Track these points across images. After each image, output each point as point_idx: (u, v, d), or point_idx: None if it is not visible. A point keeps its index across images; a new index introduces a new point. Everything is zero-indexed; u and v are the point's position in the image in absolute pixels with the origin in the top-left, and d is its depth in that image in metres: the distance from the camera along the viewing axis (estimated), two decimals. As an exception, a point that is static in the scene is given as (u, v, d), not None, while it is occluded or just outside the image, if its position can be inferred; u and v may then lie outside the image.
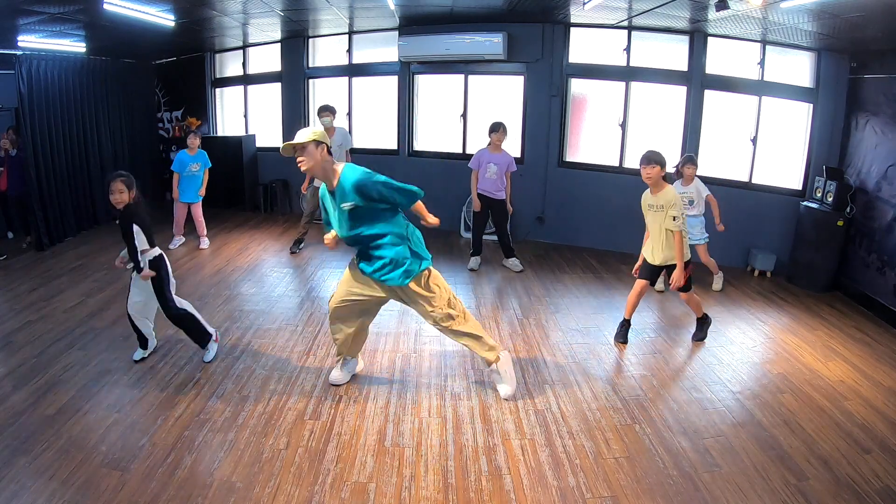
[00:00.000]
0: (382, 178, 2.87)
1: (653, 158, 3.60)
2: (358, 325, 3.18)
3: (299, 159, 2.88)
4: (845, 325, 4.48)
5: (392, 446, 2.72)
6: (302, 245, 6.06)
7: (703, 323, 4.05)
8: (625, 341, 3.96)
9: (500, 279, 5.28)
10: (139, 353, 3.48)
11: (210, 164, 6.01)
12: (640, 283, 3.91)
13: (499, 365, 3.17)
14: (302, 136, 2.86)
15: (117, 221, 3.26)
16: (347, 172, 2.87)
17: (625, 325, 4.00)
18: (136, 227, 3.20)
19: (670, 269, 3.78)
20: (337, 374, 3.30)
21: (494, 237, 5.81)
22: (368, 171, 2.88)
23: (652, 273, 3.91)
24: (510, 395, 3.15)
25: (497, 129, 5.17)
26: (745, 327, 4.34)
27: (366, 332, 3.34)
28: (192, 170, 5.84)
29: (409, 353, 3.70)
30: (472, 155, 5.41)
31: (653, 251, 3.81)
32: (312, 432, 2.80)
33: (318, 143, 2.86)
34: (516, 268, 5.50)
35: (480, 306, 4.58)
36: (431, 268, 3.06)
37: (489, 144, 5.27)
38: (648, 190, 3.76)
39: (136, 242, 3.19)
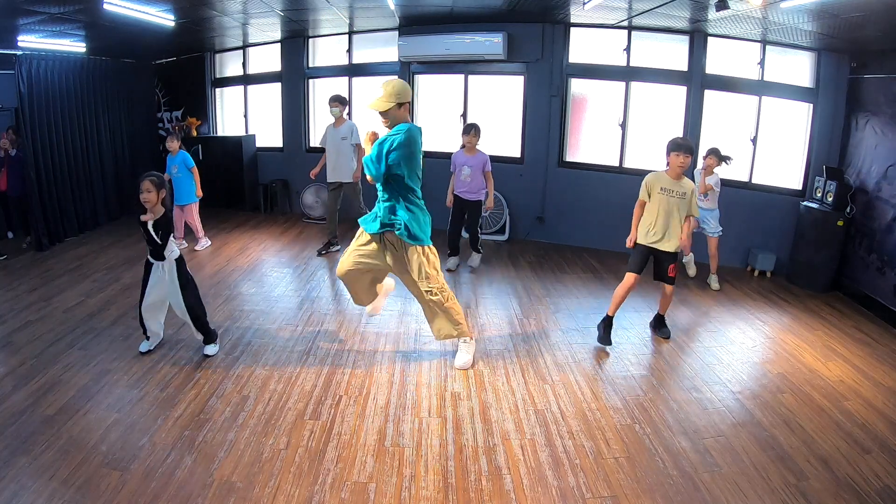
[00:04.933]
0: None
1: (691, 148, 3.66)
2: (368, 283, 3.59)
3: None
4: (845, 325, 4.48)
5: (392, 446, 2.72)
6: (337, 248, 6.01)
7: (663, 322, 4.11)
8: (609, 343, 3.85)
9: (500, 279, 5.28)
10: (146, 345, 3.56)
11: (192, 164, 5.87)
12: (632, 277, 3.81)
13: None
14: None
15: (149, 224, 3.28)
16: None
17: (608, 325, 3.88)
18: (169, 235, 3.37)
19: (660, 258, 3.82)
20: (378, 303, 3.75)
21: (498, 237, 5.80)
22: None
23: (644, 263, 3.84)
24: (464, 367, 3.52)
25: (469, 131, 5.12)
26: (745, 327, 4.34)
27: (374, 288, 3.68)
28: (172, 172, 5.80)
29: (409, 353, 3.70)
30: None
31: (666, 236, 3.75)
32: (312, 432, 2.80)
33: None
34: (473, 262, 5.48)
35: (480, 306, 4.59)
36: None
37: (463, 147, 5.21)
38: (664, 175, 3.74)
39: (167, 251, 3.36)
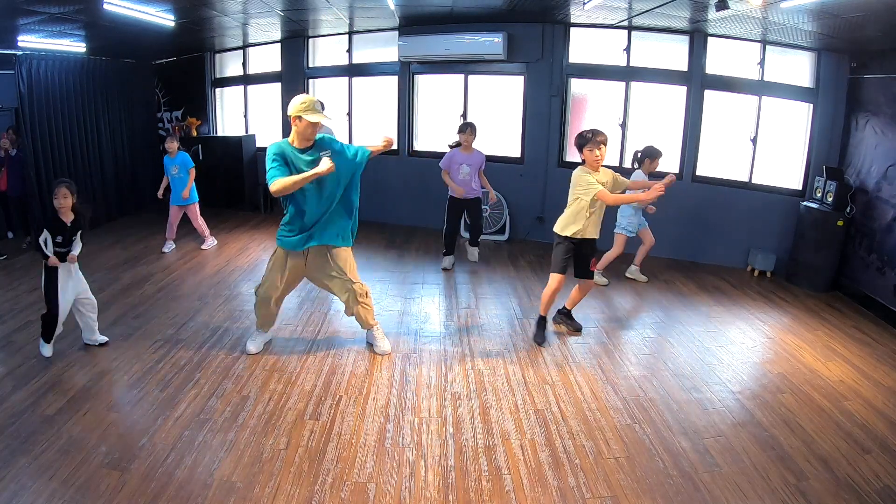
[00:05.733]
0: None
1: (606, 138, 3.59)
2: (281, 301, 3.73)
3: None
4: (845, 325, 4.48)
5: (392, 446, 2.72)
6: None
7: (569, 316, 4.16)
8: (543, 341, 3.89)
9: (500, 279, 5.28)
10: (47, 349, 3.47)
11: (192, 165, 5.87)
12: (558, 279, 3.79)
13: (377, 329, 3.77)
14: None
15: (74, 224, 3.42)
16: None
17: (541, 324, 3.94)
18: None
19: (582, 253, 3.82)
20: (255, 345, 3.68)
21: (497, 237, 5.81)
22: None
23: (569, 260, 3.82)
24: (388, 351, 3.71)
25: (465, 129, 5.11)
26: (745, 327, 4.34)
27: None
28: (172, 172, 5.82)
29: (409, 353, 3.70)
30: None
31: (592, 228, 3.74)
32: (312, 432, 2.81)
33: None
34: (472, 257, 5.51)
35: (480, 306, 4.59)
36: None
37: (458, 145, 5.18)
38: (587, 171, 3.65)
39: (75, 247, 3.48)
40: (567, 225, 3.76)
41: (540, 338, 3.91)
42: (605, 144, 3.57)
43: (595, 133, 3.57)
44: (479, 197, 5.26)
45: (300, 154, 3.27)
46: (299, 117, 3.20)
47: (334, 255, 3.47)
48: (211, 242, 6.12)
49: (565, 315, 4.16)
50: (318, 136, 3.34)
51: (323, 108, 5.51)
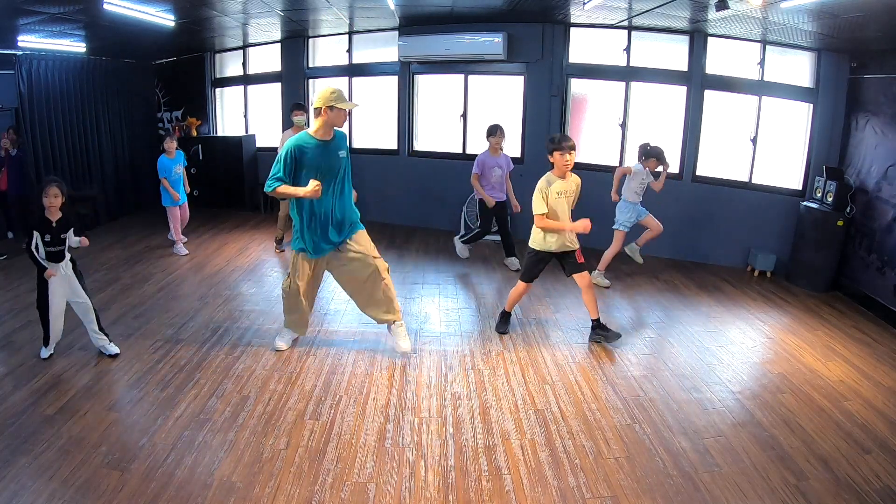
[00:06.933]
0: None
1: (574, 145, 3.57)
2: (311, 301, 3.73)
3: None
4: (845, 325, 4.48)
5: (392, 446, 2.72)
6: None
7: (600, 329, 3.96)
8: (506, 331, 4.05)
9: (500, 279, 5.28)
10: (46, 351, 3.47)
11: (185, 163, 6.03)
12: (525, 286, 3.91)
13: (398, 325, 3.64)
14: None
15: (60, 224, 3.38)
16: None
17: (505, 318, 4.09)
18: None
19: (564, 256, 3.78)
20: (284, 341, 3.71)
21: (496, 237, 5.83)
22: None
23: (541, 270, 3.87)
24: (409, 349, 3.64)
25: (495, 132, 5.14)
26: (745, 327, 4.34)
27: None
28: (176, 172, 5.86)
29: (409, 353, 3.70)
30: (474, 156, 5.39)
31: (563, 238, 3.70)
32: (312, 432, 2.81)
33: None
34: (513, 266, 5.51)
35: (480, 306, 4.59)
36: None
37: (489, 148, 5.22)
38: (553, 177, 3.61)
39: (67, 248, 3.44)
40: (534, 238, 3.78)
41: (502, 328, 4.07)
42: (574, 151, 3.59)
43: (565, 139, 3.61)
44: (506, 201, 5.33)
45: (320, 146, 3.27)
46: (331, 107, 3.19)
47: (354, 238, 3.49)
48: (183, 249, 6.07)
49: (599, 328, 3.92)
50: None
51: (302, 110, 5.65)
